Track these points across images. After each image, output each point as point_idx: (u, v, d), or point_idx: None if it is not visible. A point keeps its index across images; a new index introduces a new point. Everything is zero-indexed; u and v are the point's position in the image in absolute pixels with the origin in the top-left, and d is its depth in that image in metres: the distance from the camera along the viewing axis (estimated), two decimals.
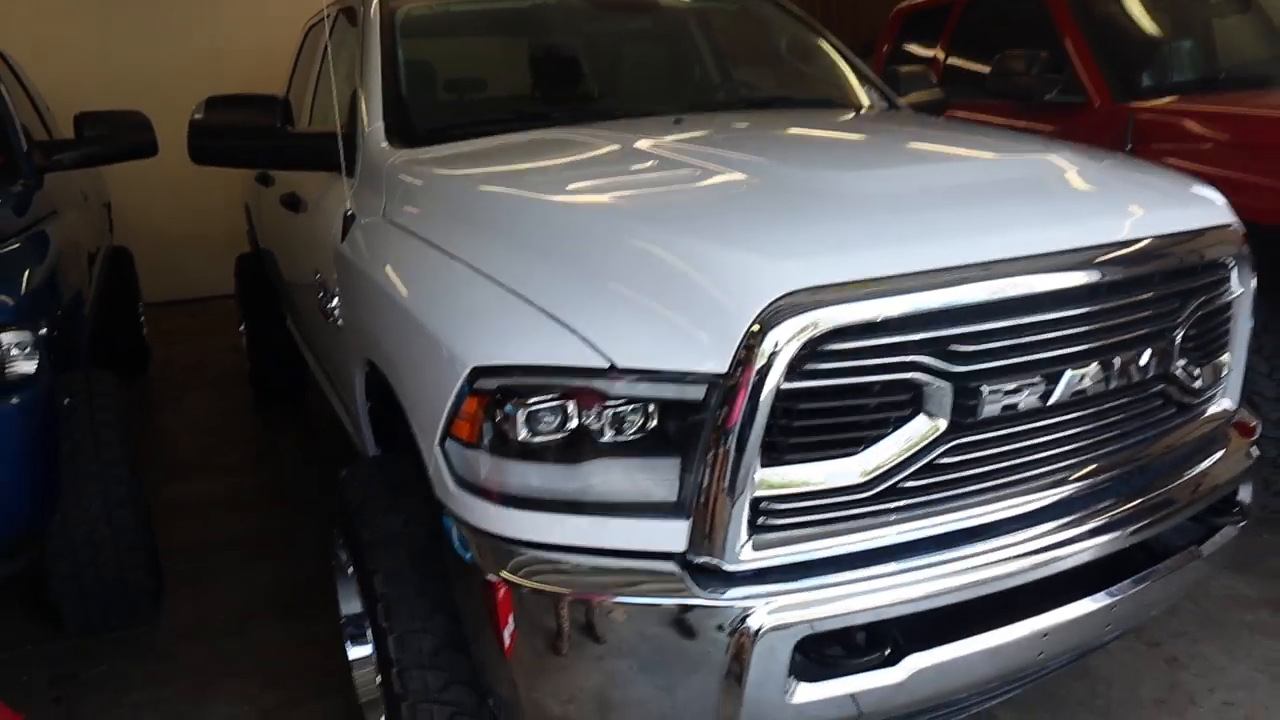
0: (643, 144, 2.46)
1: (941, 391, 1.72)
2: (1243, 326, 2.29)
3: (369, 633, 2.21)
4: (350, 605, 2.53)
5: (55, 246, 3.40)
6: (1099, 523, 1.95)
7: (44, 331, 2.81)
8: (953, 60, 5.43)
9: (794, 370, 1.61)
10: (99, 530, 2.97)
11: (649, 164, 2.34)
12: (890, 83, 3.66)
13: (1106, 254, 1.90)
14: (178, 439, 5.26)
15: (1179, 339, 2.07)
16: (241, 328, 5.65)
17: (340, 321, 2.71)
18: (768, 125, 2.86)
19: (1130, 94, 4.30)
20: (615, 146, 2.51)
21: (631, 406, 1.65)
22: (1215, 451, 2.26)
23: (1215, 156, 3.73)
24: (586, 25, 3.63)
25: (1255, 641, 2.97)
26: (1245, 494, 2.31)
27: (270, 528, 4.08)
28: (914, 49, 5.82)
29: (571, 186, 2.24)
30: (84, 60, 7.78)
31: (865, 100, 3.50)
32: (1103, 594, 1.97)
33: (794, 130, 2.78)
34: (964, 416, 1.76)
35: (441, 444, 1.84)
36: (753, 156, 2.24)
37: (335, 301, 2.74)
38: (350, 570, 2.39)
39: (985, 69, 4.69)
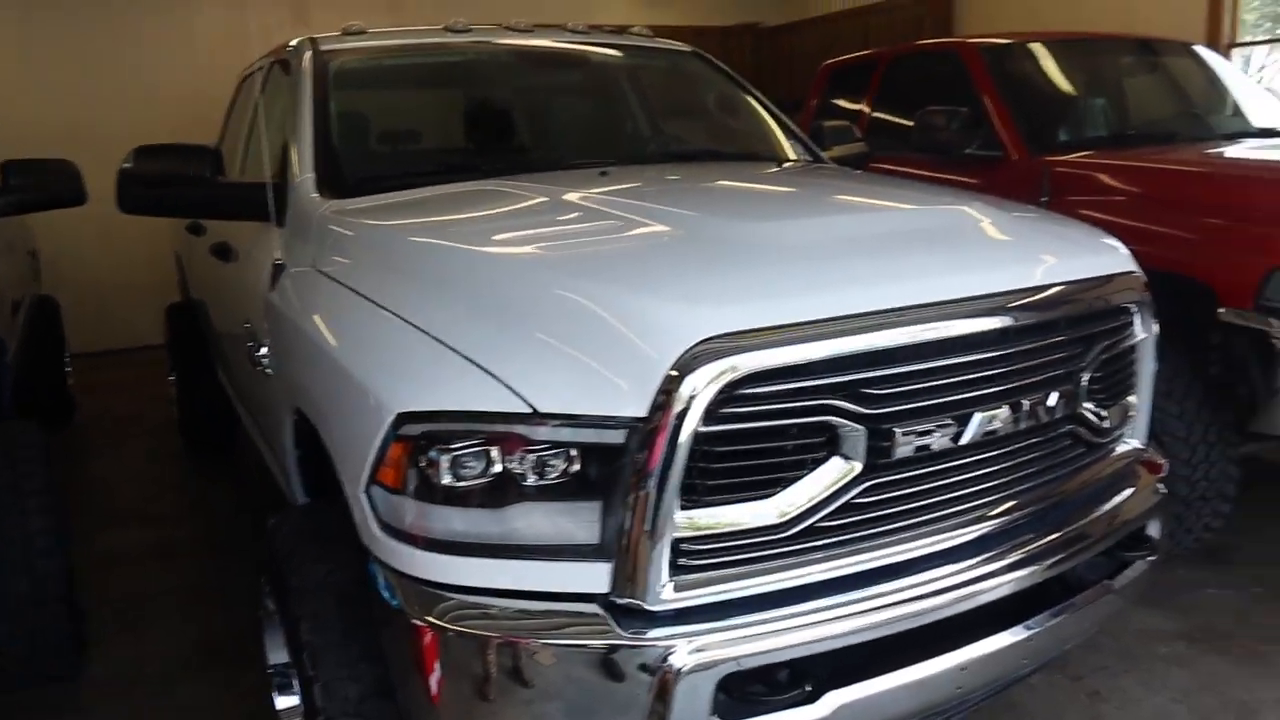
0: (569, 196, 2.52)
1: (856, 434, 1.78)
2: (1147, 369, 2.39)
3: (296, 682, 2.19)
4: (278, 654, 2.50)
5: None
6: (1014, 558, 2.01)
7: None
8: (878, 114, 5.60)
9: (711, 414, 1.65)
10: (19, 582, 2.90)
11: (574, 215, 2.39)
12: (815, 137, 3.77)
13: (1014, 300, 1.99)
14: (110, 488, 5.16)
15: (1085, 381, 2.16)
16: (172, 377, 5.58)
17: (270, 370, 2.70)
18: (692, 178, 2.94)
19: (1045, 148, 4.47)
20: (542, 198, 2.56)
21: (554, 451, 1.69)
22: (1124, 489, 2.35)
23: (1126, 208, 3.89)
24: (518, 79, 3.70)
25: (1171, 673, 3.05)
26: (1154, 529, 2.40)
27: (202, 577, 4.02)
28: (842, 104, 5.99)
29: (498, 237, 2.28)
30: (10, 107, 7.68)
31: (790, 154, 3.60)
32: (1019, 627, 2.03)
33: (717, 183, 2.86)
34: (878, 458, 1.82)
35: (367, 490, 1.85)
36: (675, 208, 2.31)
37: (264, 350, 2.74)
38: (277, 619, 2.37)
39: (908, 124, 4.85)
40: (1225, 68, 5.42)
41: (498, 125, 3.54)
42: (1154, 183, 3.94)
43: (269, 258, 2.78)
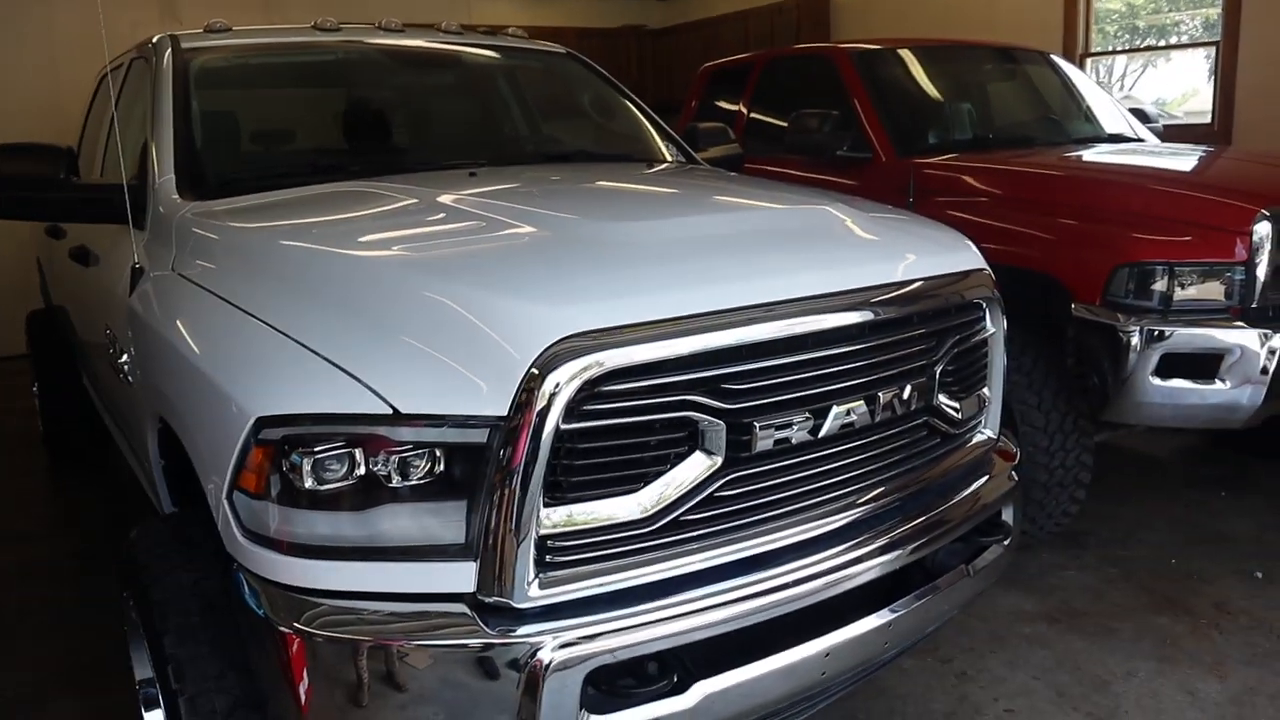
0: (436, 197, 2.51)
1: (715, 428, 1.83)
2: (998, 362, 2.50)
3: (161, 696, 2.13)
4: (143, 669, 2.43)
5: None
6: (875, 545, 2.09)
7: None
8: (754, 116, 5.71)
9: (572, 411, 1.68)
10: None
11: (440, 216, 2.39)
12: (690, 139, 3.83)
13: (870, 296, 2.06)
14: None
15: (939, 374, 2.26)
16: (35, 388, 5.35)
17: (131, 379, 2.63)
18: (563, 178, 2.96)
19: (911, 151, 4.64)
20: (408, 200, 2.55)
21: (417, 451, 1.69)
22: (980, 477, 2.46)
23: (987, 209, 4.06)
24: (388, 79, 3.66)
25: (1033, 652, 3.20)
26: (1009, 515, 2.52)
27: (70, 595, 3.86)
28: (721, 105, 6.09)
29: (361, 239, 2.27)
30: None
31: (664, 155, 3.65)
32: (883, 611, 2.10)
33: (587, 183, 2.89)
34: (739, 451, 1.87)
35: (229, 496, 1.82)
36: (542, 209, 2.33)
37: (126, 357, 2.66)
38: (142, 632, 2.31)
39: (784, 125, 4.96)
40: (1079, 77, 5.70)
41: (367, 126, 3.50)
42: (1013, 184, 4.11)
43: (128, 262, 2.69)
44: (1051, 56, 5.68)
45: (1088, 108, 5.38)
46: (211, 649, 2.00)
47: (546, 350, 1.67)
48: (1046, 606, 3.49)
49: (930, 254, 2.33)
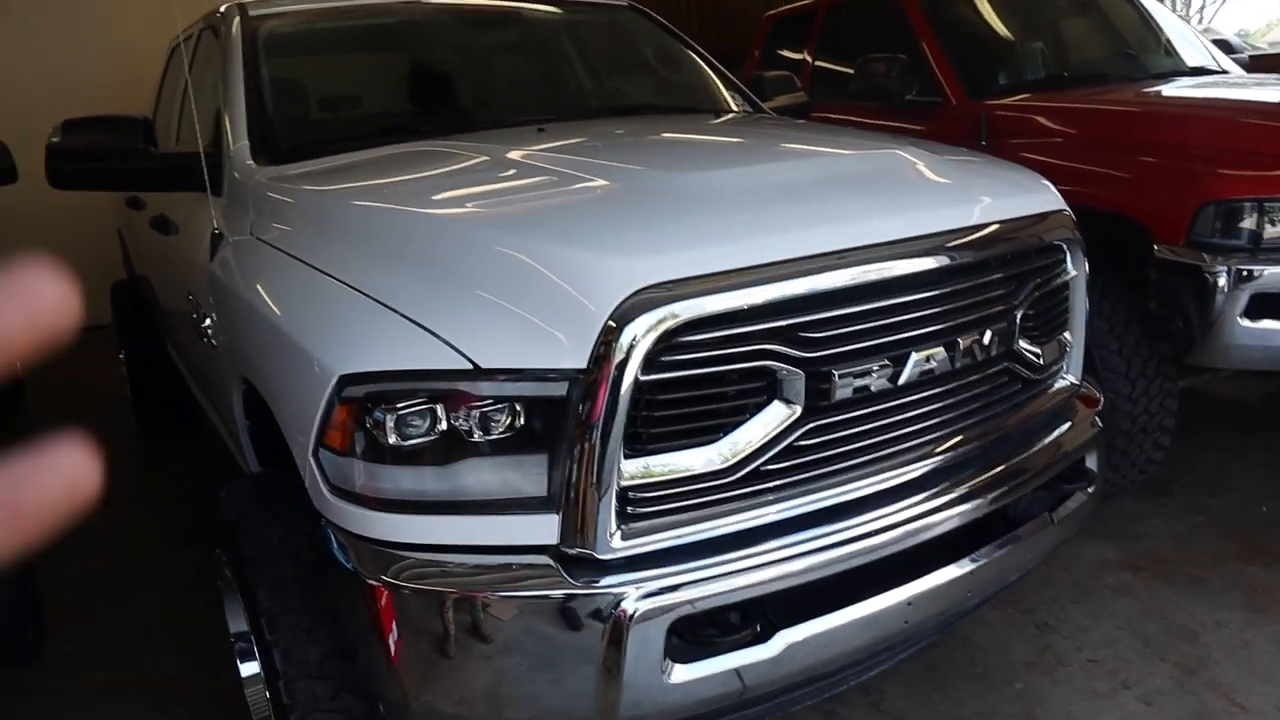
0: (506, 154, 2.52)
1: (794, 378, 1.81)
2: (1080, 306, 2.44)
3: (256, 649, 2.20)
4: (238, 623, 2.51)
5: None
6: (957, 494, 2.06)
7: None
8: (819, 63, 5.61)
9: (651, 363, 1.67)
10: None
11: (511, 173, 2.39)
12: (756, 88, 3.77)
13: (946, 240, 2.02)
14: None
15: (1019, 319, 2.21)
16: (121, 355, 5.50)
17: (215, 342, 2.69)
18: (631, 131, 2.94)
19: (983, 92, 4.52)
20: (478, 157, 2.55)
21: (498, 406, 1.70)
22: (1062, 424, 2.41)
23: (1063, 149, 3.95)
24: (453, 38, 3.66)
25: (1117, 602, 3.15)
26: (1092, 462, 2.47)
27: (161, 555, 4.00)
28: (785, 54, 5.99)
29: (435, 197, 2.28)
30: None
31: (730, 105, 3.61)
32: (965, 560, 2.08)
33: (656, 135, 2.87)
34: (818, 400, 1.85)
35: (315, 454, 1.85)
36: (612, 162, 2.31)
37: (209, 322, 2.72)
38: (235, 587, 2.38)
39: (849, 72, 4.87)
40: (1157, 8, 5.48)
41: (433, 86, 3.51)
42: (1089, 123, 3.99)
43: (207, 228, 2.75)
44: None
45: (1166, 40, 5.18)
46: (302, 602, 2.06)
47: (624, 302, 1.67)
48: (1131, 555, 3.43)
49: (1008, 196, 2.28)
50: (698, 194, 2.03)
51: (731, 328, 1.74)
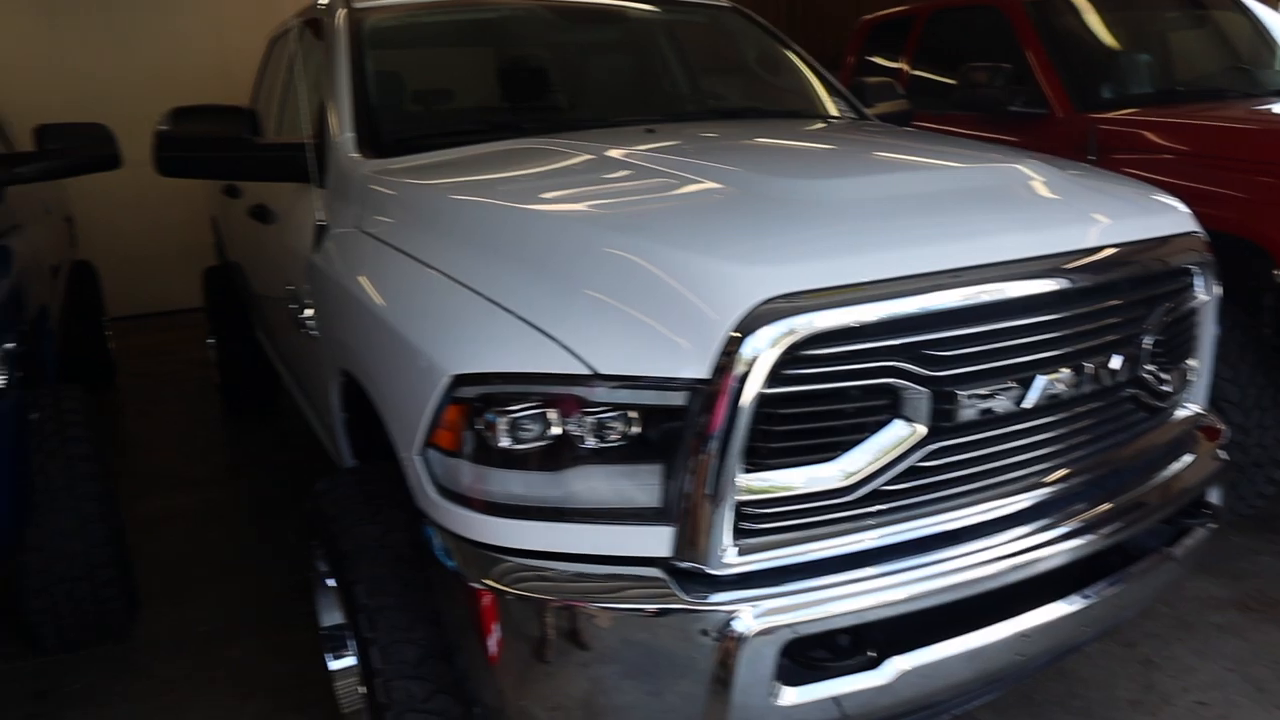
0: (616, 153, 2.48)
1: (919, 396, 1.75)
2: (1208, 332, 2.33)
3: (351, 644, 2.19)
4: (330, 617, 2.51)
5: (19, 261, 3.35)
6: (1075, 525, 1.97)
7: (10, 346, 2.77)
8: (917, 71, 5.50)
9: (774, 376, 1.62)
10: (71, 545, 2.93)
11: (624, 173, 2.35)
12: (857, 94, 3.70)
13: (1075, 260, 1.93)
14: (150, 453, 5.19)
15: (1147, 344, 2.11)
16: (210, 340, 5.60)
17: (315, 333, 2.69)
18: (739, 135, 2.88)
19: (1091, 105, 4.38)
20: (588, 156, 2.52)
21: (613, 413, 1.66)
22: (1184, 455, 2.30)
23: (1175, 167, 3.80)
24: (555, 35, 3.64)
25: (1225, 641, 3.01)
26: (1215, 496, 2.35)
27: (246, 540, 4.05)
28: (879, 60, 5.88)
29: (547, 196, 2.24)
30: (41, 72, 7.69)
31: (833, 111, 3.53)
32: (1079, 596, 1.99)
33: (765, 140, 2.80)
34: (942, 421, 1.78)
35: (422, 453, 1.83)
36: (726, 166, 2.26)
37: (309, 313, 2.73)
38: (330, 582, 2.38)
39: (949, 80, 4.76)
40: (1273, 20, 5.26)
41: (535, 83, 3.48)
42: (1204, 141, 3.84)
43: (310, 219, 2.75)
44: None
45: None
46: (400, 600, 2.04)
47: (750, 313, 1.62)
48: (1239, 593, 3.28)
49: (1141, 216, 2.18)
50: (819, 203, 1.97)
51: (857, 343, 1.68)
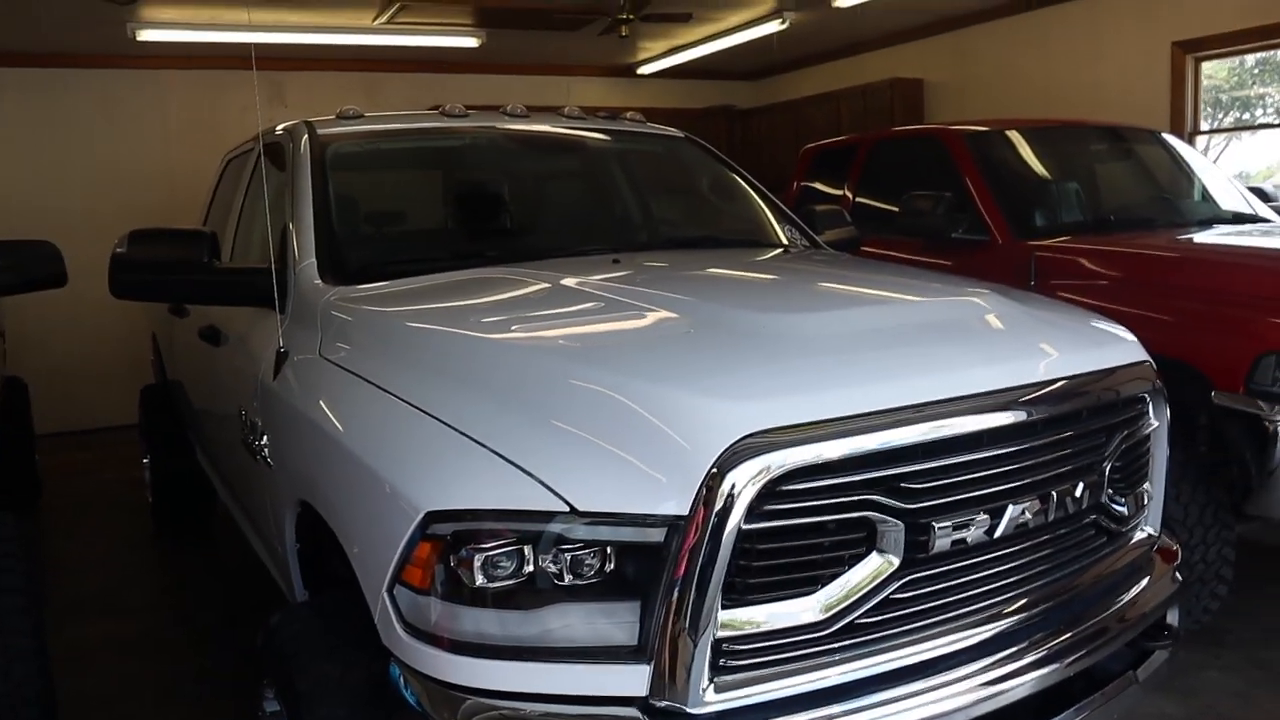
0: (582, 283, 2.50)
1: (894, 528, 1.76)
2: (1160, 456, 2.39)
3: None
4: None
5: None
6: (1042, 653, 1.98)
7: None
8: (861, 198, 5.67)
9: (753, 511, 1.62)
10: None
11: (591, 304, 2.36)
12: (808, 221, 3.79)
13: (1036, 392, 1.99)
14: (78, 575, 4.98)
15: (1107, 470, 2.16)
16: (145, 460, 5.45)
17: (270, 461, 2.63)
18: (700, 265, 2.93)
19: (1029, 233, 4.55)
20: (553, 286, 2.54)
21: (590, 550, 1.64)
22: (1143, 577, 2.33)
23: (1111, 292, 3.95)
24: (519, 164, 3.69)
25: None
26: (1173, 617, 2.39)
27: (177, 671, 3.87)
28: (823, 187, 6.07)
29: (516, 326, 2.25)
30: None
31: (786, 239, 3.62)
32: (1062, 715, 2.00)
33: (726, 271, 2.86)
34: (916, 552, 1.79)
35: (390, 590, 1.78)
36: (690, 298, 2.29)
37: (264, 440, 2.67)
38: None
39: (892, 207, 4.92)
40: (1193, 155, 5.57)
41: (501, 211, 3.52)
42: (1139, 267, 4.00)
43: (269, 345, 2.72)
44: (1163, 135, 5.56)
45: (1203, 187, 5.25)
46: None
47: (729, 449, 1.62)
48: (1191, 711, 3.29)
49: (1095, 348, 2.25)
50: (789, 337, 2.00)
51: (834, 477, 1.69)
